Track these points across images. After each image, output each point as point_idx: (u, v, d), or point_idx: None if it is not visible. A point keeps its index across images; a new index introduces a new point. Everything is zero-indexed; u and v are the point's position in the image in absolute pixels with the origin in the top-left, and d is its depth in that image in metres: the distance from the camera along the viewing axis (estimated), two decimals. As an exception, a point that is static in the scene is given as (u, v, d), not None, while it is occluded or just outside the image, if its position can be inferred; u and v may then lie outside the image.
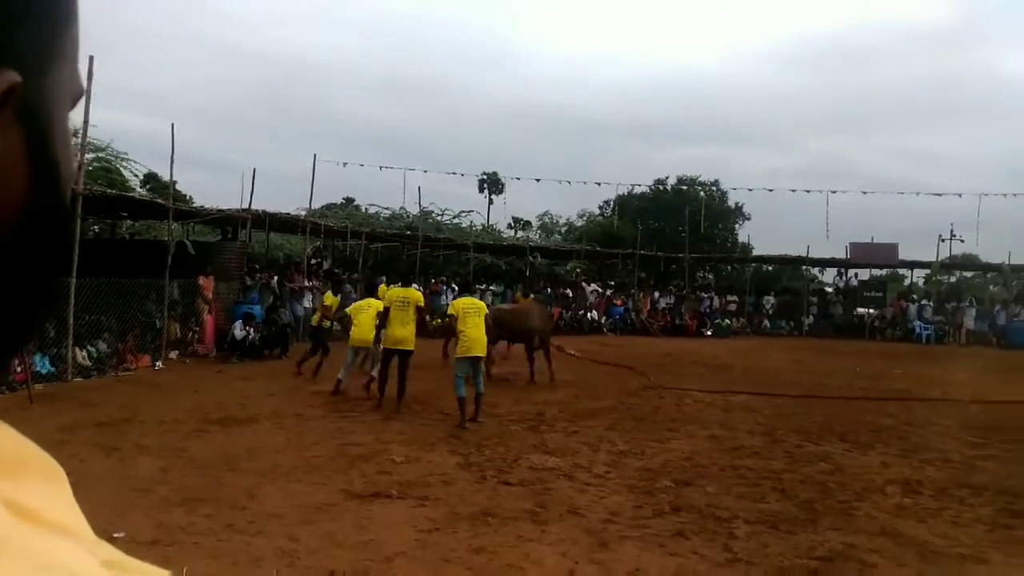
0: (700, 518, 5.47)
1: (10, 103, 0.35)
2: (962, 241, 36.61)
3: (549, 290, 23.58)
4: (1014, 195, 30.16)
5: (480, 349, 8.88)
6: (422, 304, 9.64)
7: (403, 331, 9.28)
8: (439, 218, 32.70)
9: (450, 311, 9.45)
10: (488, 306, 10.54)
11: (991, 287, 34.05)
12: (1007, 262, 29.52)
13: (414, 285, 12.92)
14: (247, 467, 6.43)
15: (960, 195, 30.12)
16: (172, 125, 14.13)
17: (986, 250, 37.91)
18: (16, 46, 0.35)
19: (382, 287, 12.05)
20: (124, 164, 21.85)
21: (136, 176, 22.48)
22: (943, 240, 34.48)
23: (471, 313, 8.93)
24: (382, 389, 9.54)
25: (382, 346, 9.74)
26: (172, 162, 14.42)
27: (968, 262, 36.09)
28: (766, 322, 29.36)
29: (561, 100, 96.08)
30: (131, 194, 16.95)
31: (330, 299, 13.12)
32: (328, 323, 12.72)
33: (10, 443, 0.37)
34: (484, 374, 9.22)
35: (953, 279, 36.73)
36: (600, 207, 44.17)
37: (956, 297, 30.39)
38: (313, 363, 12.05)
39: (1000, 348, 25.25)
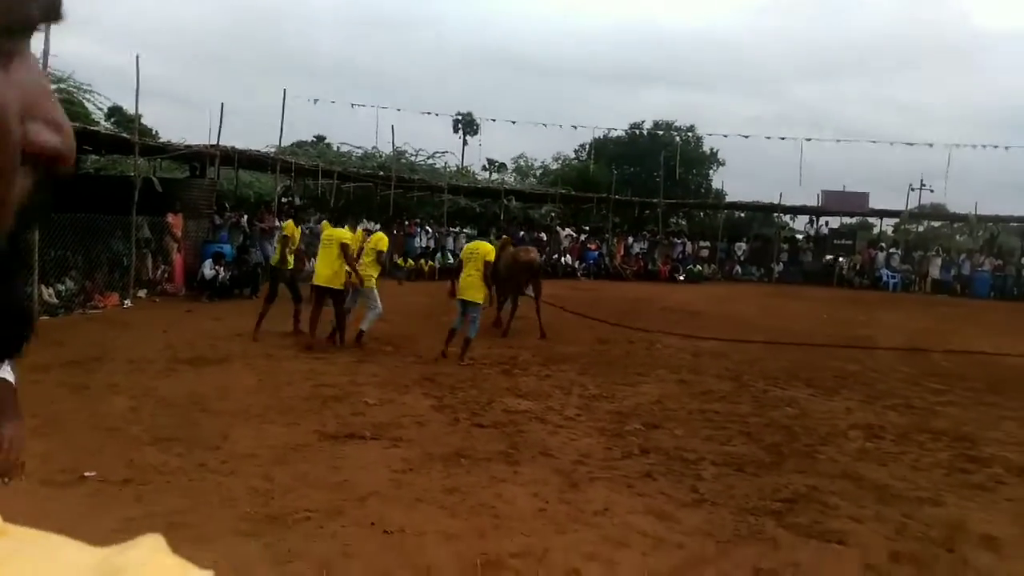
0: (668, 460, 5.58)
1: None
2: (931, 191, 37.00)
3: (523, 234, 23.48)
4: (983, 146, 30.50)
5: (467, 294, 9.22)
6: (348, 243, 9.55)
7: (327, 270, 9.52)
8: (413, 159, 32.26)
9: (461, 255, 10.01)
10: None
11: (957, 237, 34.61)
12: (974, 212, 29.98)
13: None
14: (219, 407, 6.41)
15: (931, 145, 30.58)
16: (137, 57, 13.69)
17: (955, 200, 38.47)
18: None
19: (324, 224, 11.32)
20: (87, 97, 21.15)
21: (100, 109, 21.76)
22: (913, 190, 34.84)
23: (468, 259, 9.40)
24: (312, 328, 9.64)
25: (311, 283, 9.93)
26: (137, 96, 14.02)
27: (936, 212, 36.55)
28: (737, 268, 29.67)
29: (538, 42, 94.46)
30: (95, 128, 16.46)
31: (290, 227, 11.10)
32: (290, 258, 10.69)
33: None
34: (475, 322, 9.23)
35: (921, 228, 37.30)
36: (576, 151, 43.88)
37: (923, 247, 30.88)
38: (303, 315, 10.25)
39: (964, 297, 25.81)
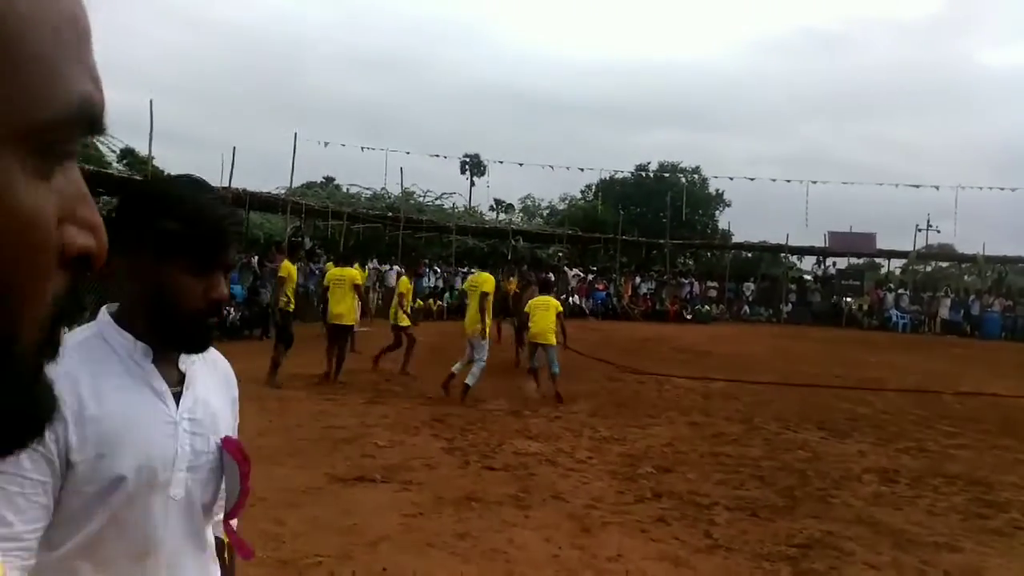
0: (681, 504, 5.53)
1: None
2: (938, 232, 37.13)
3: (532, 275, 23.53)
4: (990, 188, 30.65)
5: (468, 328, 9.55)
6: (359, 282, 10.42)
7: (339, 308, 10.14)
8: (421, 199, 32.59)
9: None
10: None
11: (966, 277, 34.56)
12: (982, 253, 29.98)
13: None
14: (230, 449, 6.39)
15: (937, 187, 30.52)
16: (151, 101, 13.97)
17: (962, 241, 38.40)
18: None
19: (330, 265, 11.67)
20: (100, 140, 21.56)
21: (113, 152, 22.20)
22: (920, 230, 34.94)
23: (470, 291, 9.83)
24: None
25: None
26: (151, 140, 14.27)
27: (944, 252, 36.59)
28: (745, 308, 29.67)
29: (543, 83, 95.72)
30: (108, 170, 16.72)
31: (287, 268, 10.95)
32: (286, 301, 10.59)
33: None
34: (478, 362, 9.25)
35: (929, 269, 37.28)
36: (582, 191, 44.23)
37: (932, 287, 30.85)
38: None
39: (974, 338, 25.68)
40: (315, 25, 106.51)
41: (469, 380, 9.01)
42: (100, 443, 1.14)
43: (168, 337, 1.24)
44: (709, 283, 30.58)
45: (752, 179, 35.51)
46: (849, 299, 29.95)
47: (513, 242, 28.98)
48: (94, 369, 1.19)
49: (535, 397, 9.42)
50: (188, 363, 1.30)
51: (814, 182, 32.58)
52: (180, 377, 1.28)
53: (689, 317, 26.61)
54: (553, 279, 14.60)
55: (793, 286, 31.37)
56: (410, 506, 5.15)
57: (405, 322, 11.14)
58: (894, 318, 28.05)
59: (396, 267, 22.00)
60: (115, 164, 21.90)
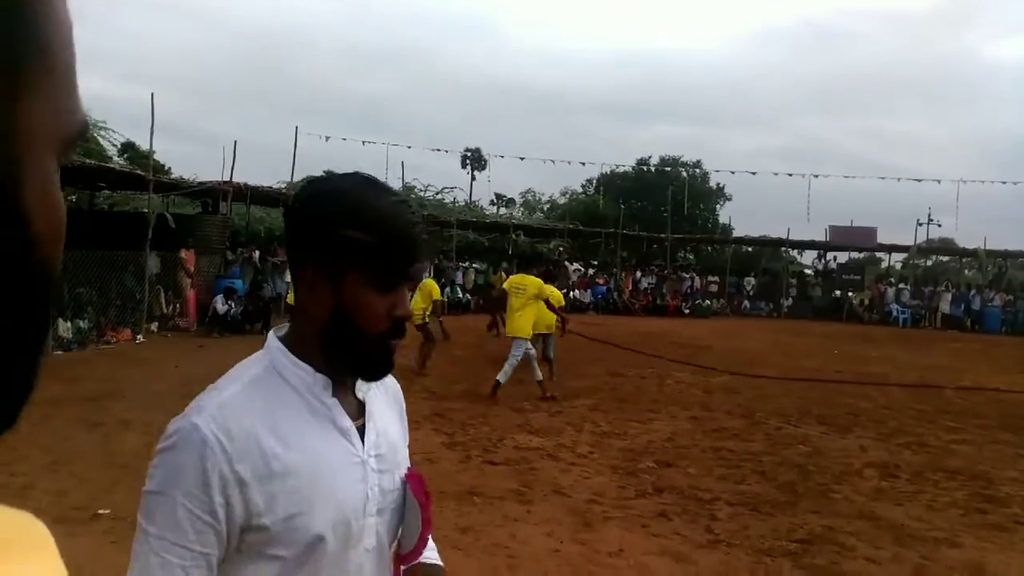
0: (682, 499, 5.55)
1: None
2: (939, 226, 37.09)
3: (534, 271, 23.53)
4: (992, 182, 30.58)
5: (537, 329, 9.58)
6: None
7: None
8: (422, 193, 32.56)
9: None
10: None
11: (966, 272, 34.53)
12: (983, 247, 29.95)
13: None
14: (232, 444, 6.41)
15: (939, 181, 30.45)
16: (152, 95, 13.93)
17: (963, 235, 38.42)
18: None
19: None
20: (101, 133, 21.52)
21: (114, 145, 22.17)
22: (920, 224, 34.92)
23: (515, 292, 9.24)
24: None
25: None
26: (152, 134, 14.24)
27: (945, 247, 36.55)
28: (746, 303, 29.65)
29: (544, 77, 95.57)
30: (109, 164, 16.70)
31: None
32: None
33: None
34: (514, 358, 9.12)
35: (930, 263, 37.25)
36: (583, 185, 44.19)
37: (932, 281, 30.81)
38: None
39: (974, 332, 25.68)
40: (316, 18, 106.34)
41: (501, 377, 8.97)
42: (292, 501, 1.02)
43: (348, 364, 1.11)
44: (710, 278, 30.56)
45: (754, 173, 35.32)
46: (850, 293, 29.95)
47: (514, 236, 28.95)
48: (274, 415, 1.05)
49: (546, 381, 9.40)
50: (364, 389, 1.17)
51: (815, 176, 32.58)
52: (359, 407, 1.16)
53: (688, 311, 26.62)
54: (553, 272, 14.65)
55: (794, 280, 31.37)
56: (412, 501, 5.17)
57: (416, 320, 10.82)
58: (895, 312, 28.04)
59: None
60: (116, 158, 21.87)
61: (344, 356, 1.09)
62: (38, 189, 0.34)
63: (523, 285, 9.33)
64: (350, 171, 1.13)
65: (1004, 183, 30.21)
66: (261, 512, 1.00)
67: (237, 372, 1.11)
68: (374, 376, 1.14)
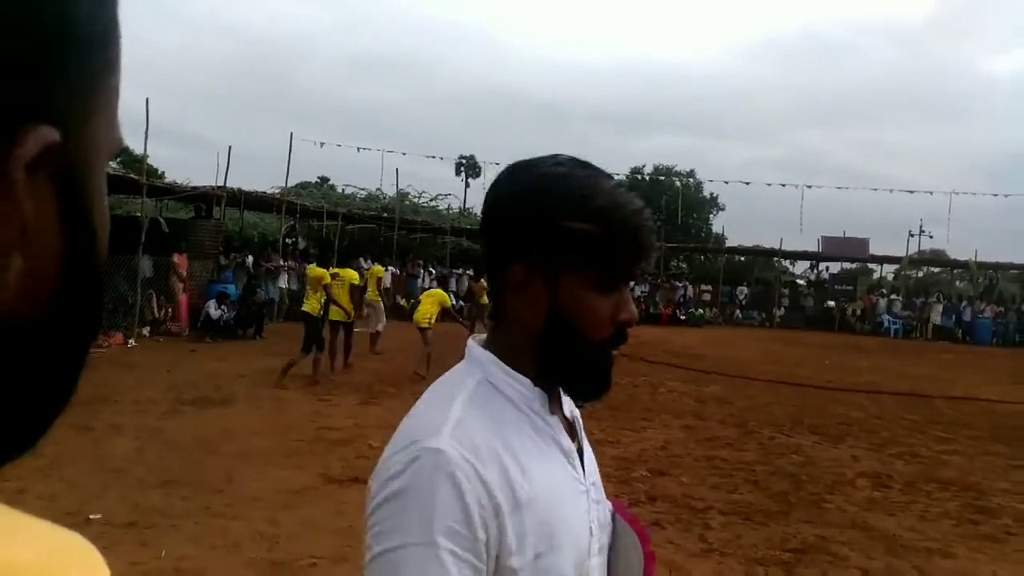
0: (675, 508, 5.54)
1: (46, 164, 0.32)
2: (931, 237, 37.39)
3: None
4: (983, 194, 30.80)
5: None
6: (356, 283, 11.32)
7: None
8: (416, 200, 32.57)
9: None
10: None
11: (958, 283, 34.71)
12: (974, 259, 30.12)
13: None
14: (223, 449, 6.39)
15: (931, 192, 30.84)
16: (147, 100, 13.90)
17: (954, 246, 38.65)
18: (55, 101, 0.32)
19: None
20: (95, 136, 21.42)
21: (108, 149, 22.08)
22: (912, 236, 35.12)
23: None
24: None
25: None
26: (146, 138, 14.19)
27: (936, 258, 36.76)
28: (738, 312, 29.72)
29: (539, 86, 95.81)
30: (103, 168, 16.64)
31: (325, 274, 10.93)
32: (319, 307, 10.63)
33: (43, 551, 0.34)
34: None
35: (921, 274, 37.43)
36: (577, 194, 44.23)
37: (924, 292, 30.96)
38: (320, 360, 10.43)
39: (965, 344, 25.80)
40: (312, 26, 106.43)
41: None
42: (538, 537, 0.86)
43: (566, 377, 0.96)
44: (703, 287, 30.66)
45: (747, 183, 35.51)
46: (842, 302, 30.07)
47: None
48: (505, 434, 0.89)
49: None
50: (569, 406, 1.03)
51: (808, 187, 32.77)
52: (570, 427, 1.01)
53: (684, 318, 26.68)
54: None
55: (786, 290, 31.48)
56: (405, 508, 5.15)
57: (424, 324, 11.16)
58: (886, 323, 28.15)
59: (392, 268, 21.99)
60: (110, 162, 21.84)
61: (562, 368, 0.94)
62: (99, 200, 0.36)
63: None
64: (551, 153, 0.97)
65: (995, 195, 30.53)
66: (512, 551, 0.83)
67: (447, 387, 0.96)
68: (594, 392, 0.98)
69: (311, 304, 10.45)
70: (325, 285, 10.44)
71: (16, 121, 0.31)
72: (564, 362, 0.94)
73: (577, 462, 0.98)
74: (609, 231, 0.90)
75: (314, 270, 10.96)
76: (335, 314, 10.73)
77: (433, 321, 11.32)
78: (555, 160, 0.95)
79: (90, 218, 0.36)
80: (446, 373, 1.00)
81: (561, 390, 0.99)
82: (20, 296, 0.32)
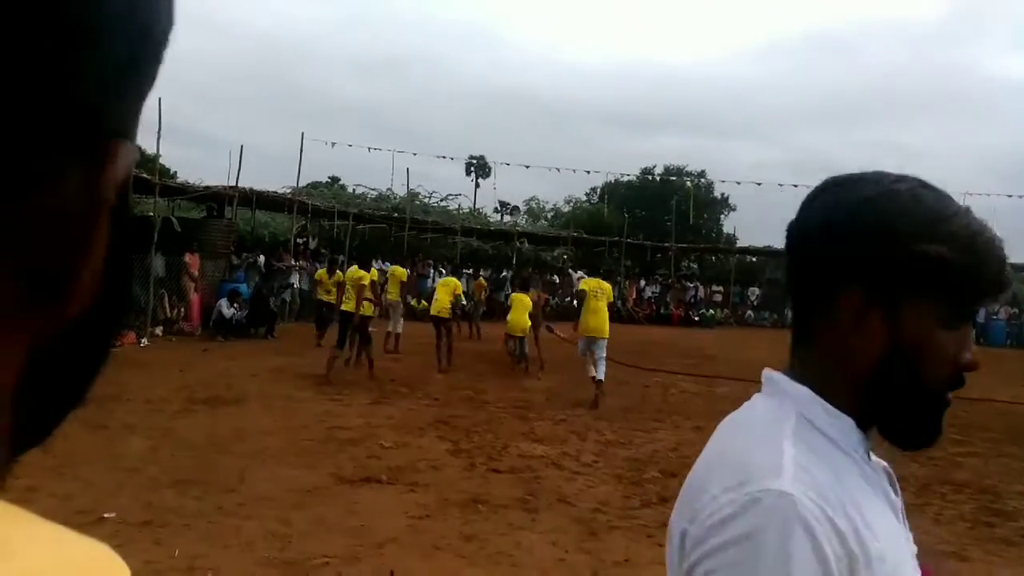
0: (687, 509, 5.51)
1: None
2: (944, 238, 36.91)
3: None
4: (997, 195, 30.56)
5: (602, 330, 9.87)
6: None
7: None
8: (426, 200, 32.62)
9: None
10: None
11: (971, 284, 34.41)
12: (988, 260, 29.88)
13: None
14: (236, 449, 6.41)
15: (945, 193, 30.38)
16: (159, 100, 13.96)
17: (968, 247, 38.20)
18: (134, 122, 0.32)
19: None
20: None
21: (120, 149, 22.23)
22: (926, 237, 34.73)
23: (596, 296, 9.93)
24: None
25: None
26: (159, 138, 14.27)
27: (950, 259, 36.46)
28: (750, 312, 29.61)
29: (548, 86, 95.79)
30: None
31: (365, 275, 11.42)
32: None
33: (65, 559, 0.32)
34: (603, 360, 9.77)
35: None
36: (587, 194, 44.26)
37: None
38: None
39: (979, 345, 25.50)
40: (323, 27, 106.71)
41: (600, 375, 9.57)
42: None
43: (894, 420, 0.85)
44: (714, 287, 30.56)
45: (759, 183, 35.26)
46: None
47: (518, 244, 28.95)
48: (841, 478, 0.79)
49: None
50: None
51: (820, 187, 32.49)
52: (887, 478, 0.91)
53: (697, 319, 26.60)
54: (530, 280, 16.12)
55: (798, 291, 31.33)
56: (416, 508, 5.15)
57: (446, 315, 12.00)
58: (899, 324, 28.01)
59: (386, 264, 22.03)
60: (122, 162, 21.96)
61: (894, 412, 0.84)
62: (131, 201, 0.36)
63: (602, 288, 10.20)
64: (868, 171, 0.88)
65: (1010, 196, 30.18)
66: None
67: (761, 421, 0.86)
68: (925, 440, 0.86)
69: (350, 304, 10.60)
70: (361, 286, 10.60)
71: (112, 141, 0.30)
72: (898, 405, 0.83)
73: (903, 518, 0.90)
74: (968, 258, 0.80)
75: (356, 271, 11.04)
76: (367, 309, 10.80)
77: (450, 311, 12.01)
78: (895, 177, 0.86)
79: (128, 214, 0.36)
80: (745, 405, 0.92)
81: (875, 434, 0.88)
82: (84, 296, 0.32)
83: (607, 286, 10.35)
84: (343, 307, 10.74)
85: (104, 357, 0.37)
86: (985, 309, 21.96)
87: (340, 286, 11.44)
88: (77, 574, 0.33)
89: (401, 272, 14.11)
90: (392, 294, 13.82)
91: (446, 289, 12.25)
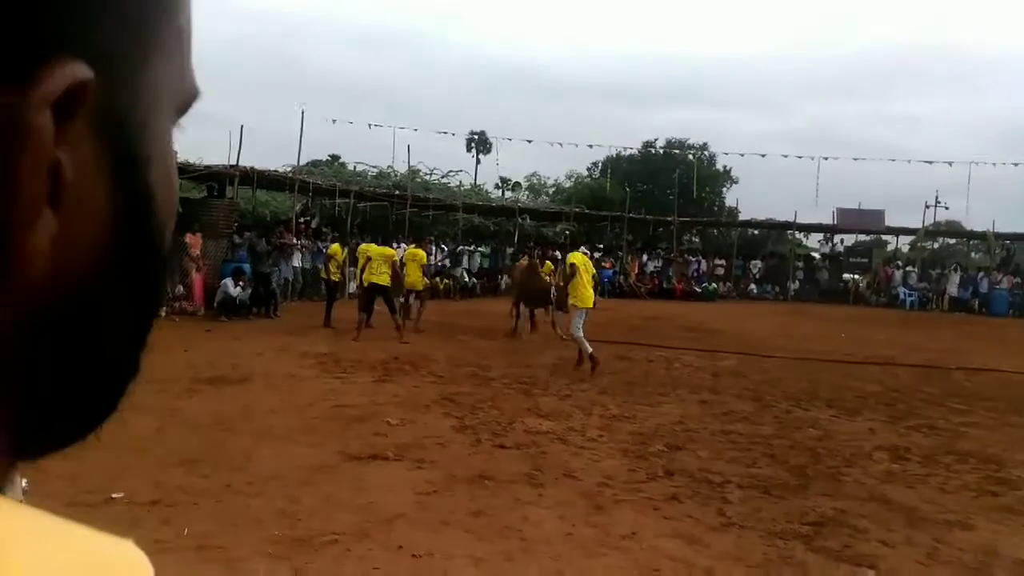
0: (693, 482, 5.54)
1: (83, 110, 0.27)
2: (947, 208, 36.85)
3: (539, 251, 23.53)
4: (1003, 164, 30.36)
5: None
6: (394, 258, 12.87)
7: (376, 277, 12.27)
8: (427, 177, 32.45)
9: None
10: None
11: (974, 255, 34.37)
12: (991, 230, 29.77)
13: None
14: (242, 428, 6.44)
15: (951, 163, 30.28)
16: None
17: (972, 217, 38.18)
18: (97, 35, 0.27)
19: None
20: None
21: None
22: (928, 207, 34.70)
23: (584, 270, 10.31)
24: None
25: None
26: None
27: (952, 229, 36.35)
28: (752, 286, 29.58)
29: (551, 61, 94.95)
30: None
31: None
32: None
33: (92, 561, 0.29)
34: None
35: (937, 246, 37.07)
36: (588, 169, 44.03)
37: (940, 264, 30.69)
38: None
39: (982, 315, 25.60)
40: (324, 1, 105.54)
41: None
42: None
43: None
44: (716, 261, 30.51)
45: (763, 155, 35.15)
46: (857, 276, 29.88)
47: (520, 220, 28.86)
48: None
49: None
50: None
51: (825, 158, 32.29)
52: None
53: (700, 291, 26.60)
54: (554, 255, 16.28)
55: (800, 263, 31.26)
56: (424, 484, 5.18)
57: (419, 287, 13.65)
58: (902, 295, 27.95)
59: (403, 244, 21.99)
60: (121, 142, 21.86)
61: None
62: (160, 156, 0.32)
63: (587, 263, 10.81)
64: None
65: (1016, 165, 30.01)
66: None
67: None
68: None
69: (382, 277, 12.19)
70: (394, 262, 12.50)
71: (39, 55, 0.26)
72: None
73: None
74: None
75: (386, 250, 12.91)
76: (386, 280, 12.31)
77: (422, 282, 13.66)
78: None
79: (146, 176, 0.31)
80: None
81: None
82: (64, 264, 0.28)
83: (589, 261, 10.97)
84: (374, 279, 12.16)
85: (134, 341, 0.34)
86: (988, 278, 22.03)
87: (356, 260, 13.53)
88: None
89: (420, 255, 13.83)
90: (412, 276, 13.65)
91: (415, 264, 13.43)
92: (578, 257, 10.56)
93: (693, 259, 30.00)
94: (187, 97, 0.34)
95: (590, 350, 9.69)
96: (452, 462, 5.73)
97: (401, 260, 13.28)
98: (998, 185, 46.21)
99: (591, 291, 10.22)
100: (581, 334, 9.82)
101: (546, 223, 31.93)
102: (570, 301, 10.31)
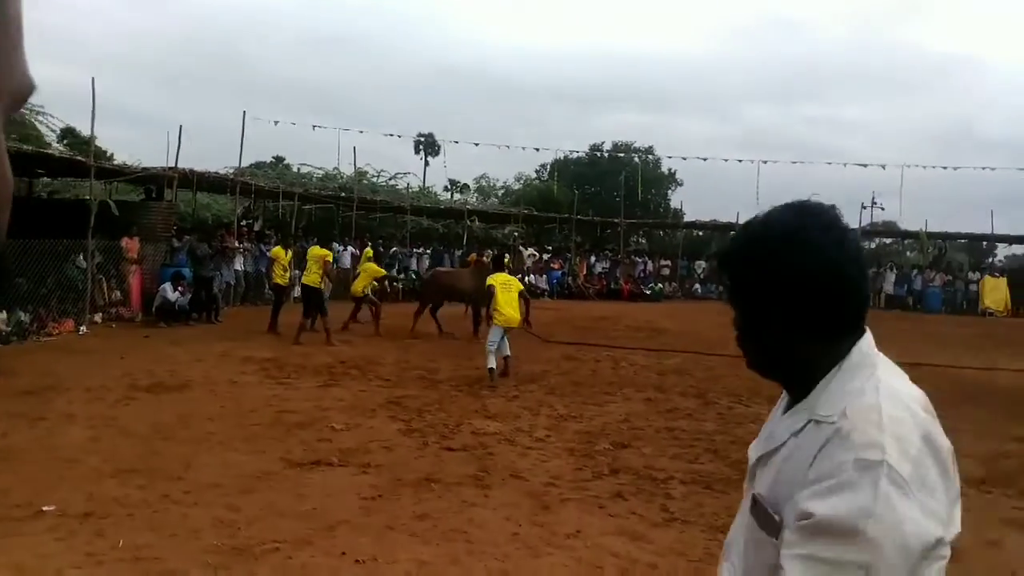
0: (637, 479, 5.60)
1: None
2: (883, 209, 38.03)
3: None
4: (932, 167, 31.46)
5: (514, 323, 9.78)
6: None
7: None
8: (374, 179, 32.11)
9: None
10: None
11: (908, 253, 35.48)
12: (924, 229, 30.80)
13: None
14: (181, 436, 6.28)
15: (884, 166, 31.20)
16: (92, 79, 13.44)
17: (905, 217, 39.49)
18: None
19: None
20: (39, 118, 20.73)
21: (53, 131, 21.42)
22: (865, 208, 35.75)
23: (505, 289, 9.77)
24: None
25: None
26: (93, 118, 13.74)
27: (888, 229, 37.48)
28: (697, 286, 30.06)
29: (499, 62, 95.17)
30: (49, 150, 16.13)
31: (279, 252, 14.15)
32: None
33: None
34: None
35: (874, 245, 38.18)
36: (537, 171, 44.14)
37: (876, 262, 31.61)
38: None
39: (917, 311, 26.46)
40: (266, 2, 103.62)
41: (507, 351, 9.67)
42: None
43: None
44: (662, 262, 30.91)
45: (705, 159, 35.61)
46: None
47: (468, 222, 28.78)
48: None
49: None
50: None
51: (764, 162, 33.02)
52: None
53: (647, 291, 26.91)
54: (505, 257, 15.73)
55: (744, 264, 31.86)
56: (369, 489, 5.12)
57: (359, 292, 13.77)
58: (840, 293, 28.70)
59: (350, 248, 21.75)
60: (55, 144, 21.10)
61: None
62: None
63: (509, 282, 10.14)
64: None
65: (945, 168, 31.12)
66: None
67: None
68: None
69: (311, 278, 12.26)
70: (325, 262, 12.36)
71: None
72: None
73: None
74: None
75: (317, 250, 12.66)
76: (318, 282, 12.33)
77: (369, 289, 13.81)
78: None
79: None
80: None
81: None
82: None
83: (515, 280, 10.43)
84: (304, 281, 12.41)
85: None
86: (922, 276, 22.68)
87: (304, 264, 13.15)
88: None
89: (324, 253, 12.80)
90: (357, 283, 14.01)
91: (367, 275, 13.80)
92: (498, 279, 10.01)
93: (640, 260, 30.35)
94: (20, 90, 0.34)
95: (491, 366, 9.28)
96: (398, 466, 5.68)
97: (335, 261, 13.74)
98: (930, 187, 47.95)
99: (512, 311, 9.67)
100: (492, 348, 9.35)
101: (495, 225, 31.90)
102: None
